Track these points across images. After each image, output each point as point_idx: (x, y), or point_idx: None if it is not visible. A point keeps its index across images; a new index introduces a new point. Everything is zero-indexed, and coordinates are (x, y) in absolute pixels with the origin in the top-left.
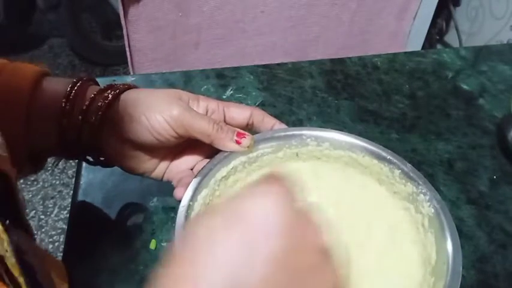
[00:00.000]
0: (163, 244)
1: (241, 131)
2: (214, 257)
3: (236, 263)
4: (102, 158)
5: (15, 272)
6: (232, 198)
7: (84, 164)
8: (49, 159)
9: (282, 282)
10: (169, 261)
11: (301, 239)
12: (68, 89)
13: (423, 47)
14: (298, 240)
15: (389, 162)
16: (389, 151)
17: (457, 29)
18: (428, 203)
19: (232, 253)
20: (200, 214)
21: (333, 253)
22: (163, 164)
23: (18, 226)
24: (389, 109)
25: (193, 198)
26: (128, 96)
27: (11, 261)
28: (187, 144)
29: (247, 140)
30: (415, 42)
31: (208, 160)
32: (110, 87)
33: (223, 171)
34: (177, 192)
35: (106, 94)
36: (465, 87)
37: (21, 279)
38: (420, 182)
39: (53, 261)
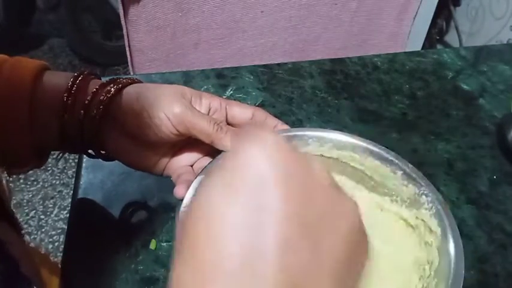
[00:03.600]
0: (163, 244)
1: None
2: (220, 233)
3: (245, 234)
4: (103, 152)
5: None
6: (217, 166)
7: (84, 164)
8: (49, 160)
9: (302, 232)
10: (178, 244)
11: (305, 179)
12: (70, 82)
13: (423, 47)
14: (301, 181)
15: (392, 163)
16: (392, 152)
17: (457, 29)
18: (431, 205)
19: (238, 222)
20: (193, 197)
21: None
22: (163, 160)
23: (3, 218)
24: (389, 109)
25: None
26: (130, 90)
27: None
28: (188, 141)
29: None
30: (415, 42)
31: (208, 158)
32: (113, 81)
33: None
34: (177, 190)
35: (109, 88)
36: (465, 87)
37: None
38: (422, 184)
39: (43, 256)
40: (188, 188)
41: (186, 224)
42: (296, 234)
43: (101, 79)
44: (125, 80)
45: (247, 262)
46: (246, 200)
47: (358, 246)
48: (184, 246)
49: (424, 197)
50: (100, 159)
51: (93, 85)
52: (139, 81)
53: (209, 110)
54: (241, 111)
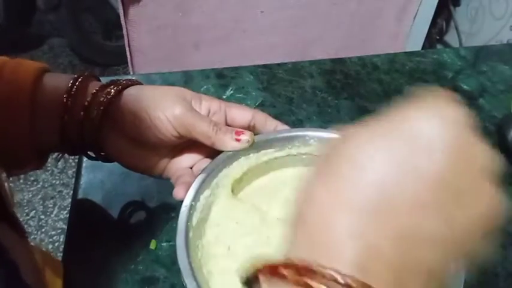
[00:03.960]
0: (163, 244)
1: (239, 129)
2: (365, 175)
3: (389, 184)
4: (102, 153)
5: None
6: (394, 114)
7: (84, 164)
8: (49, 160)
9: (438, 206)
10: (319, 171)
11: (469, 159)
12: (70, 84)
13: (423, 47)
14: (464, 158)
15: None
16: None
17: (457, 29)
18: None
19: (387, 172)
20: (355, 126)
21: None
22: (163, 162)
23: (4, 219)
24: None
25: (195, 198)
26: (131, 92)
27: None
28: (187, 143)
29: (246, 136)
30: (415, 42)
31: (208, 160)
32: (113, 82)
33: (225, 172)
34: (176, 192)
35: (109, 89)
36: (465, 87)
37: None
38: None
39: (48, 258)
40: (188, 189)
41: (333, 154)
42: (434, 203)
43: (100, 81)
44: (124, 82)
45: (379, 208)
46: (403, 155)
47: (478, 241)
48: (325, 174)
49: None
50: (100, 161)
51: (93, 87)
52: (139, 83)
53: (209, 112)
54: (240, 114)
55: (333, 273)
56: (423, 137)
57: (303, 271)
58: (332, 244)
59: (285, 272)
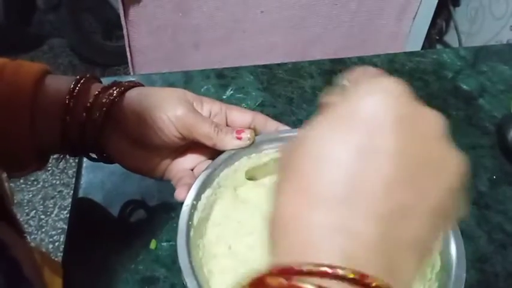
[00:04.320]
0: (163, 244)
1: (239, 128)
2: (328, 167)
3: (354, 169)
4: (104, 155)
5: None
6: (337, 101)
7: (84, 164)
8: (50, 160)
9: (407, 179)
10: (281, 175)
11: (422, 127)
12: (72, 86)
13: (423, 47)
14: (418, 129)
15: None
16: None
17: (456, 29)
18: None
19: (348, 159)
20: (306, 124)
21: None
22: (164, 164)
23: (4, 219)
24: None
25: (196, 197)
26: (133, 93)
27: None
28: (188, 144)
29: (246, 133)
30: (415, 43)
31: (209, 161)
32: (115, 84)
33: (226, 172)
34: (178, 193)
35: (111, 91)
36: (465, 87)
37: None
38: None
39: (46, 258)
40: (189, 191)
41: (291, 156)
42: (403, 178)
43: (102, 83)
44: (126, 84)
45: (351, 195)
46: (358, 139)
47: (454, 201)
48: (289, 175)
49: None
50: (101, 162)
51: (95, 88)
52: (141, 85)
53: (210, 114)
54: (241, 116)
55: (323, 268)
56: (373, 117)
57: (291, 274)
58: (314, 241)
59: (272, 281)
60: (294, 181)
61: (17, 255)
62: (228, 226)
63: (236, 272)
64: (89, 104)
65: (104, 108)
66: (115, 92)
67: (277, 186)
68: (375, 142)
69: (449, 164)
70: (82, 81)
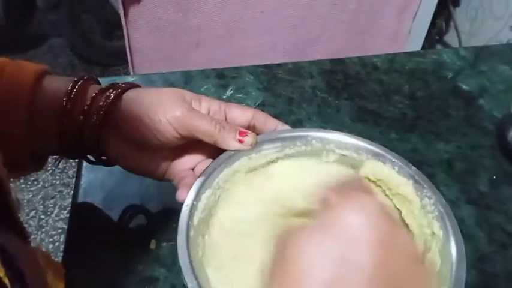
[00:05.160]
0: (163, 244)
1: (243, 130)
2: (310, 276)
3: (332, 278)
4: (103, 158)
5: (1, 272)
6: (326, 211)
7: (84, 164)
8: (50, 160)
9: None
10: (266, 281)
11: (396, 245)
12: (69, 87)
13: (423, 47)
14: (393, 246)
15: (394, 164)
16: (395, 153)
17: (457, 29)
18: (433, 207)
19: (327, 267)
20: (292, 229)
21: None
22: (164, 164)
23: (10, 227)
24: (389, 109)
25: (197, 197)
26: (130, 95)
27: None
28: (188, 144)
29: (249, 138)
30: (415, 42)
31: (209, 160)
32: (112, 86)
33: (226, 172)
34: (179, 194)
35: (108, 93)
36: (465, 87)
37: (6, 280)
38: (425, 186)
39: (50, 261)
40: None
41: (276, 259)
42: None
43: (100, 84)
44: (123, 85)
45: None
46: (335, 248)
47: None
48: (271, 277)
49: (426, 199)
50: (99, 165)
51: (93, 90)
52: (138, 86)
53: (208, 112)
54: (240, 113)
55: None
56: (353, 232)
57: None
58: None
59: None
60: (277, 281)
61: (21, 265)
62: (228, 226)
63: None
64: (86, 107)
65: (101, 112)
66: (112, 94)
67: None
68: (352, 256)
69: (419, 282)
70: (79, 82)
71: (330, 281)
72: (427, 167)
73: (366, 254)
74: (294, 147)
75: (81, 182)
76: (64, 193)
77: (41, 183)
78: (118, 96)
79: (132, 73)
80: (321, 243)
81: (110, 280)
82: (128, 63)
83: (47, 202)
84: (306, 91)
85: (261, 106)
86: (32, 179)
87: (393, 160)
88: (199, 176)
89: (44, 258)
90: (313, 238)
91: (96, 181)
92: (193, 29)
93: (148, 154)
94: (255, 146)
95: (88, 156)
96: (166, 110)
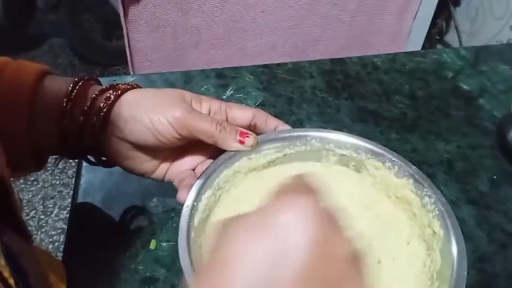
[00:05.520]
0: (163, 244)
1: (244, 130)
2: (241, 272)
3: (263, 278)
4: (103, 158)
5: (5, 273)
6: (262, 207)
7: (84, 164)
8: (49, 159)
9: None
10: (199, 274)
11: (330, 248)
12: (70, 88)
13: (423, 47)
14: (326, 250)
15: (394, 164)
16: (395, 153)
17: (457, 29)
18: (433, 206)
19: (259, 267)
20: (229, 220)
21: (362, 261)
22: (164, 165)
23: (13, 227)
24: (389, 109)
25: (197, 198)
26: (130, 97)
27: (0, 262)
28: (188, 145)
29: (250, 139)
30: (415, 42)
31: (209, 161)
32: (112, 87)
33: (226, 173)
34: (180, 196)
35: (108, 95)
36: (465, 87)
37: (11, 281)
38: (425, 185)
39: (51, 260)
40: None
41: (211, 254)
42: None
43: (101, 84)
44: (124, 86)
45: None
46: (270, 245)
47: None
48: (203, 271)
49: (427, 198)
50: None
51: (93, 91)
52: (138, 86)
53: (209, 112)
54: (241, 113)
55: None
56: (289, 233)
57: None
58: None
59: None
60: (207, 276)
61: (25, 264)
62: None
63: None
64: (86, 108)
65: (102, 113)
66: (112, 95)
67: (196, 278)
68: (285, 257)
69: (351, 283)
70: (80, 83)
71: (255, 282)
72: (427, 167)
73: (296, 257)
74: (293, 147)
75: (81, 182)
76: (64, 193)
77: (41, 183)
78: (118, 97)
79: (132, 73)
80: (255, 245)
81: (110, 280)
82: (127, 63)
83: (47, 202)
84: (306, 91)
85: (261, 106)
86: (32, 179)
87: (393, 159)
88: (199, 177)
89: (46, 258)
90: (250, 232)
91: (96, 181)
92: (193, 29)
93: (148, 155)
94: (256, 146)
95: (88, 156)
96: (166, 111)
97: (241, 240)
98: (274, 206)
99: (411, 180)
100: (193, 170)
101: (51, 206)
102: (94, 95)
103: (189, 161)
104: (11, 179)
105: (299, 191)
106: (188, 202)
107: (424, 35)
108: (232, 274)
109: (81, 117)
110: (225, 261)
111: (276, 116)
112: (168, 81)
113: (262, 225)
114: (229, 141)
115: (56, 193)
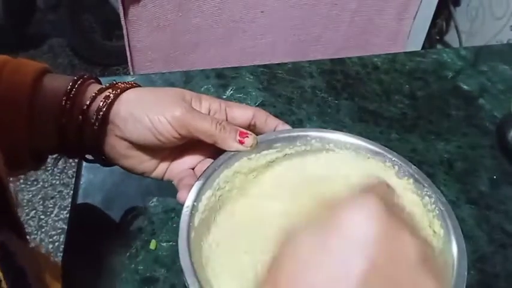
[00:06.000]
0: (163, 244)
1: (244, 130)
2: (310, 277)
3: (332, 280)
4: (103, 157)
5: None
6: (328, 211)
7: (84, 164)
8: (49, 159)
9: None
10: (266, 281)
11: (398, 249)
12: (69, 86)
13: (423, 47)
14: (394, 251)
15: (394, 163)
16: (395, 153)
17: (457, 29)
18: (434, 206)
19: (328, 270)
20: (293, 228)
21: (435, 261)
22: (163, 164)
23: (10, 227)
24: (389, 109)
25: (197, 198)
26: (129, 96)
27: None
28: (188, 144)
29: (250, 139)
30: (415, 42)
31: (209, 160)
32: (111, 86)
33: (226, 173)
34: (180, 196)
35: (107, 93)
36: (465, 87)
37: (4, 286)
38: (425, 185)
39: (47, 260)
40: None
41: (273, 268)
42: None
43: (101, 82)
44: (123, 85)
45: None
46: (336, 251)
47: None
48: (275, 275)
49: (427, 198)
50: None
51: (92, 90)
52: (138, 85)
53: (209, 111)
54: (241, 112)
55: None
56: (356, 235)
57: None
58: None
59: None
60: (277, 282)
61: (22, 262)
62: (228, 226)
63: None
64: (85, 107)
65: (101, 112)
66: (111, 94)
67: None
68: (354, 259)
69: (420, 283)
70: (79, 82)
71: (320, 282)
72: (427, 167)
73: (360, 256)
74: (293, 147)
75: (81, 182)
76: (64, 193)
77: (41, 183)
78: (117, 96)
79: (132, 73)
80: (320, 243)
81: (110, 280)
82: (127, 63)
83: (47, 202)
84: (306, 91)
85: (261, 106)
86: (32, 179)
87: (393, 159)
88: (199, 177)
89: (42, 258)
90: (312, 237)
91: (96, 181)
92: (193, 28)
93: (148, 154)
94: (255, 147)
95: (87, 156)
96: (166, 110)
97: (304, 243)
98: (339, 208)
99: (411, 180)
100: (193, 169)
101: (51, 206)
102: (93, 94)
103: (189, 160)
104: (10, 178)
105: (366, 196)
106: (188, 202)
107: (424, 35)
108: (294, 277)
109: (80, 116)
110: (288, 267)
111: (276, 116)
112: (168, 81)
113: (325, 229)
114: (229, 141)
115: (56, 193)
